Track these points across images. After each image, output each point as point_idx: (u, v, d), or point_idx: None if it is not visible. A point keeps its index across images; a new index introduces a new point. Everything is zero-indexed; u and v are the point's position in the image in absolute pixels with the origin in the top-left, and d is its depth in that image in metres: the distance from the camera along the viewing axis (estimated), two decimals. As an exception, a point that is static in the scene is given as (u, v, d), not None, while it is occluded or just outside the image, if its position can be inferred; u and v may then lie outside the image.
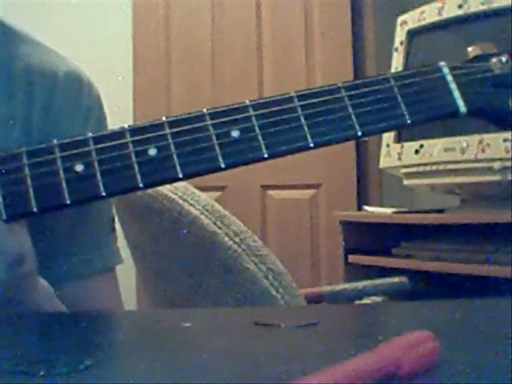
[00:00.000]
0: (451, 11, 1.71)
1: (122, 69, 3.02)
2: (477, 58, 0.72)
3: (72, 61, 0.87)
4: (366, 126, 0.67)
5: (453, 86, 0.69)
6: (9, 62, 0.81)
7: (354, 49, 2.95)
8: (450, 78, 0.70)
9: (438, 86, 0.69)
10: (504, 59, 0.71)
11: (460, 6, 1.68)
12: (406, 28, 1.86)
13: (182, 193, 1.07)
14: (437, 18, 1.76)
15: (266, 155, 0.65)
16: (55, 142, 0.63)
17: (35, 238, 0.68)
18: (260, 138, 0.65)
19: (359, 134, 0.67)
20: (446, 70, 0.70)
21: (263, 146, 0.64)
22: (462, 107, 0.69)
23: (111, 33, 3.11)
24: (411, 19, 1.85)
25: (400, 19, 1.90)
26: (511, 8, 1.50)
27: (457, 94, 0.69)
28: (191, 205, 1.06)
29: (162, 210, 1.08)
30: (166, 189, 1.08)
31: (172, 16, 3.02)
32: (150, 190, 1.09)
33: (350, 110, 0.67)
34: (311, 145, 0.66)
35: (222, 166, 0.64)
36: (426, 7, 1.81)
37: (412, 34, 1.84)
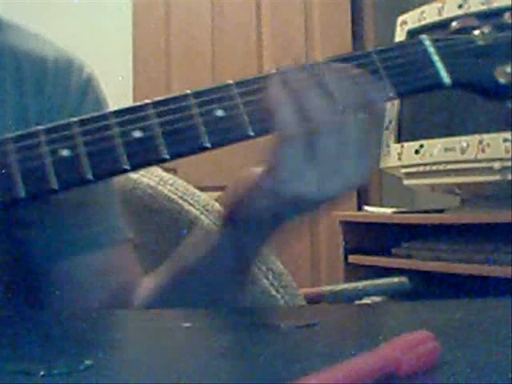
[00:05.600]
0: (451, 11, 1.71)
1: (121, 69, 3.02)
2: (459, 31, 0.71)
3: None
4: None
5: (435, 57, 0.69)
6: None
7: (354, 49, 2.94)
8: (432, 49, 0.69)
9: (421, 58, 0.69)
10: (486, 30, 0.71)
11: (460, 6, 1.68)
12: (406, 28, 1.86)
13: (182, 193, 1.07)
14: (437, 18, 1.76)
15: (251, 133, 0.64)
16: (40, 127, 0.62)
17: (51, 210, 0.67)
18: (245, 116, 0.64)
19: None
20: (427, 43, 0.69)
21: (248, 125, 0.64)
22: (446, 78, 0.68)
23: (111, 33, 3.11)
24: (411, 19, 1.85)
25: (400, 19, 1.90)
26: (511, 8, 1.50)
27: (440, 65, 0.68)
28: (191, 205, 1.06)
29: (162, 209, 1.08)
30: (166, 189, 1.08)
31: (172, 16, 3.02)
32: (149, 190, 1.09)
33: None
34: None
35: (208, 145, 0.63)
36: (425, 7, 1.81)
37: (412, 34, 1.84)
